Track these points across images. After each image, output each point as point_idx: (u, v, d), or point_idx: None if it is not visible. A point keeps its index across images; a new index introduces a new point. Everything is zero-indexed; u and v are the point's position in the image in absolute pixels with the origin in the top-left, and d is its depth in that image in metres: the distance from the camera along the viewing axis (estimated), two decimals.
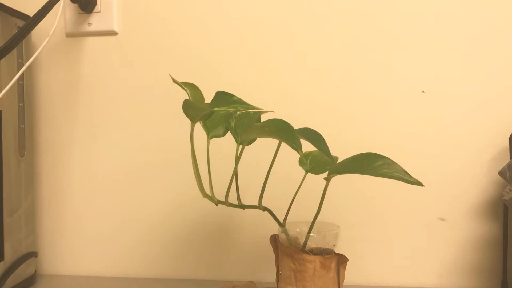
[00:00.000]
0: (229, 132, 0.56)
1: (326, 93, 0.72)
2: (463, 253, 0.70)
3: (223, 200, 0.54)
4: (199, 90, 0.54)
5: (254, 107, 0.48)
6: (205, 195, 0.53)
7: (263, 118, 0.72)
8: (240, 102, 0.48)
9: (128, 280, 0.74)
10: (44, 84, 0.77)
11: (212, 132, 0.56)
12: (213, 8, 0.74)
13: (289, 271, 0.52)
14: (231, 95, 0.48)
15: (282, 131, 0.44)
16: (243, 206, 0.54)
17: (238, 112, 0.54)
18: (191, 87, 0.54)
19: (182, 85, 0.53)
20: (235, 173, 0.53)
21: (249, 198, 0.73)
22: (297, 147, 0.43)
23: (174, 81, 0.52)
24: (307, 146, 0.60)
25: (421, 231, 0.71)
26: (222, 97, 0.49)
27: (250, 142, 0.55)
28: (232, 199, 0.58)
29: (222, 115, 0.55)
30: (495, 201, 0.69)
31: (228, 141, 0.69)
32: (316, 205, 0.71)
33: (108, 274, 0.77)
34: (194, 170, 0.52)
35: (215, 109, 0.47)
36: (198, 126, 0.71)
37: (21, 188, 0.68)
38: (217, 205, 0.56)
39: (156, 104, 0.75)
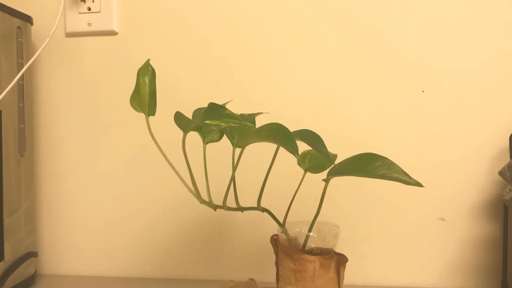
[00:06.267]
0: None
1: (325, 93, 0.72)
2: (463, 253, 0.70)
3: (221, 204, 0.54)
4: (152, 83, 0.54)
5: (246, 123, 0.47)
6: (202, 201, 0.53)
7: (259, 119, 0.72)
8: (233, 116, 0.47)
9: (128, 280, 0.74)
10: (44, 84, 0.77)
11: (207, 137, 0.56)
12: (213, 8, 0.74)
13: (289, 271, 0.52)
14: (224, 108, 0.47)
15: (278, 135, 0.44)
16: (241, 209, 0.54)
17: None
18: (151, 76, 0.54)
19: (149, 66, 0.54)
20: (233, 177, 0.53)
21: (248, 198, 0.73)
22: (293, 151, 0.43)
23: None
24: (306, 145, 0.60)
25: (421, 231, 0.71)
26: (215, 110, 0.47)
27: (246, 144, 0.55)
28: (230, 200, 0.58)
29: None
30: (495, 201, 0.69)
31: (225, 142, 0.69)
32: (315, 205, 0.71)
33: (108, 274, 0.77)
34: (182, 179, 0.52)
35: (207, 122, 0.47)
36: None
37: (21, 188, 0.68)
38: (215, 210, 0.56)
39: (156, 104, 0.75)
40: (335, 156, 0.59)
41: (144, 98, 0.53)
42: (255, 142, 0.51)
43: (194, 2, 0.74)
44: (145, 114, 0.53)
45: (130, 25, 0.75)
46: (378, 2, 0.70)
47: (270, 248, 0.73)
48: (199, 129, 0.52)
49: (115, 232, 0.76)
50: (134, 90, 0.53)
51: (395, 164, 0.45)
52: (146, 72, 0.54)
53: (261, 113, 0.60)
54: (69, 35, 0.77)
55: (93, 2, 0.75)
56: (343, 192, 0.72)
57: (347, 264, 0.71)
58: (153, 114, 0.54)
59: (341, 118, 0.72)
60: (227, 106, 0.72)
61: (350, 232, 0.72)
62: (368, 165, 0.46)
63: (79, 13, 0.75)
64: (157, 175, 0.75)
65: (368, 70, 0.71)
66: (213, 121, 0.47)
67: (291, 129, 0.49)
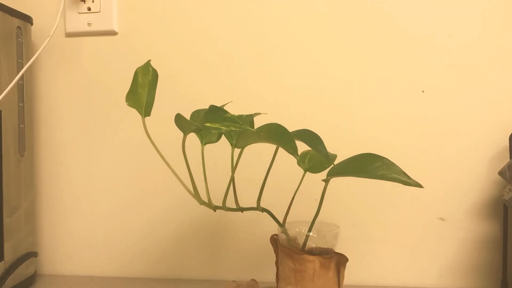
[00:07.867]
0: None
1: (325, 93, 0.72)
2: (463, 253, 0.70)
3: (221, 205, 0.54)
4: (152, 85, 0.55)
5: (246, 127, 0.47)
6: (201, 202, 0.53)
7: (258, 119, 0.72)
8: (233, 120, 0.47)
9: (128, 280, 0.74)
10: (44, 84, 0.77)
11: (205, 138, 0.56)
12: (213, 8, 0.74)
13: (289, 271, 0.52)
14: (225, 112, 0.47)
15: (278, 135, 0.44)
16: (241, 209, 0.54)
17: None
18: (151, 78, 0.54)
19: (150, 67, 0.55)
20: (232, 178, 0.53)
21: (247, 198, 0.73)
22: (293, 151, 0.43)
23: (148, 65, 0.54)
24: (305, 145, 0.60)
25: (421, 231, 0.70)
26: (215, 113, 0.47)
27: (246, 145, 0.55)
28: (230, 200, 0.58)
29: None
30: (495, 201, 0.69)
31: (224, 142, 0.69)
32: (315, 205, 0.71)
33: (108, 274, 0.77)
34: (181, 181, 0.52)
35: (207, 125, 0.47)
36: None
37: (21, 188, 0.68)
38: (215, 211, 0.56)
39: (156, 104, 0.75)
40: (334, 156, 0.59)
41: (142, 98, 0.53)
42: (254, 143, 0.51)
43: (194, 2, 0.74)
44: (141, 114, 0.53)
45: (130, 25, 0.75)
46: (381, 2, 0.70)
47: (270, 248, 0.73)
48: (199, 131, 0.52)
49: (115, 232, 0.76)
50: (130, 89, 0.53)
51: (395, 164, 0.45)
52: (147, 73, 0.54)
53: (259, 113, 0.60)
54: (69, 35, 0.77)
55: (93, 2, 0.75)
56: (343, 192, 0.72)
57: (347, 264, 0.71)
58: (149, 115, 0.54)
59: (341, 118, 0.72)
60: (226, 107, 0.72)
61: (350, 232, 0.72)
62: (368, 165, 0.46)
63: (79, 13, 0.75)
64: (157, 176, 0.75)
65: (368, 71, 0.71)
66: (214, 124, 0.47)
67: (291, 129, 0.48)
